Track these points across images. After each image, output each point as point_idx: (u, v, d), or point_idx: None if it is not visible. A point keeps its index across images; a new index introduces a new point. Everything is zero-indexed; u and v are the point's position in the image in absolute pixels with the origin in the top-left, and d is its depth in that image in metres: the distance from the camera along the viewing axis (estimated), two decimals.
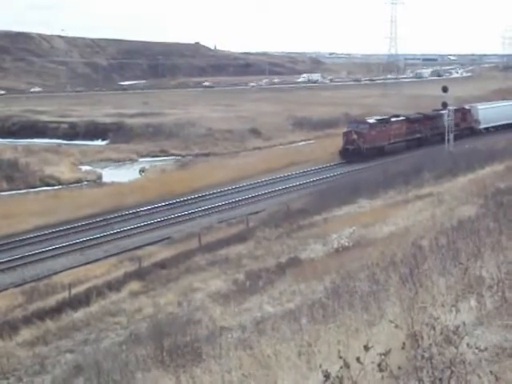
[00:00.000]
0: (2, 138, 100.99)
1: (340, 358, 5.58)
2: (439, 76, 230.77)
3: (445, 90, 69.95)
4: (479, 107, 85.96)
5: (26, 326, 27.71)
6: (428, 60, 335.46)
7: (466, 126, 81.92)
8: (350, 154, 67.81)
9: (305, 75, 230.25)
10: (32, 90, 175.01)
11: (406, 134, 74.40)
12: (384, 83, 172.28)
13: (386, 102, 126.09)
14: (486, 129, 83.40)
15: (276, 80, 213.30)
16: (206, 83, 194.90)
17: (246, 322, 18.11)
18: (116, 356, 17.28)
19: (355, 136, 68.36)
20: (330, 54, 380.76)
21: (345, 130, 71.67)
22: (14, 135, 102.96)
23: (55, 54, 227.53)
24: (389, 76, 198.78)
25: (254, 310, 20.74)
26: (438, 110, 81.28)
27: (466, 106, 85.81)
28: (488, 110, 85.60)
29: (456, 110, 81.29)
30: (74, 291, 31.28)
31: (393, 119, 74.68)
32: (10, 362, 23.46)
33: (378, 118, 74.60)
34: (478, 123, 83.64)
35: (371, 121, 71.90)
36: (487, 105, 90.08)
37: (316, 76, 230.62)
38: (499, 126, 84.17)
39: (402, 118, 76.08)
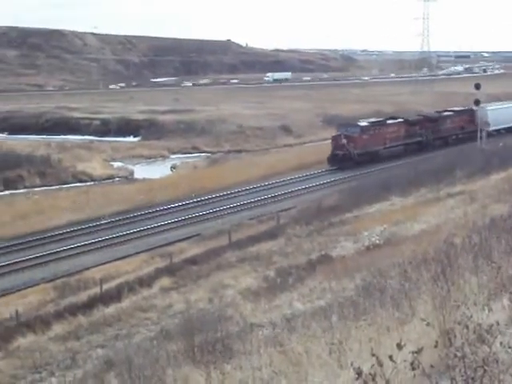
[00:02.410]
0: (36, 134, 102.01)
1: (373, 355, 5.56)
2: (485, 72, 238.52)
3: (477, 87, 68.92)
4: (488, 108, 78.43)
5: (58, 320, 27.91)
6: (461, 57, 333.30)
7: (474, 129, 74.32)
8: (340, 160, 63.52)
9: (269, 74, 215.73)
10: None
11: (404, 138, 69.86)
12: (415, 80, 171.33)
13: (418, 99, 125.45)
14: (497, 131, 76.17)
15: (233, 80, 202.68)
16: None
17: (277, 319, 18.09)
18: (147, 351, 17.34)
19: (345, 140, 63.76)
20: (362, 50, 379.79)
21: (334, 134, 67.28)
22: (47, 131, 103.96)
23: (88, 51, 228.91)
24: (426, 73, 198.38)
25: (284, 307, 20.73)
26: (440, 112, 78.94)
27: (474, 107, 78.06)
28: (498, 111, 79.23)
29: (462, 112, 78.33)
30: (105, 287, 31.43)
31: (389, 121, 70.31)
32: (43, 356, 23.66)
33: (372, 120, 70.48)
34: (488, 125, 75.67)
35: (363, 124, 67.25)
36: (498, 105, 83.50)
37: (282, 75, 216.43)
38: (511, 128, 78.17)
39: (399, 120, 71.51)
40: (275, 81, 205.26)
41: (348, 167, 61.88)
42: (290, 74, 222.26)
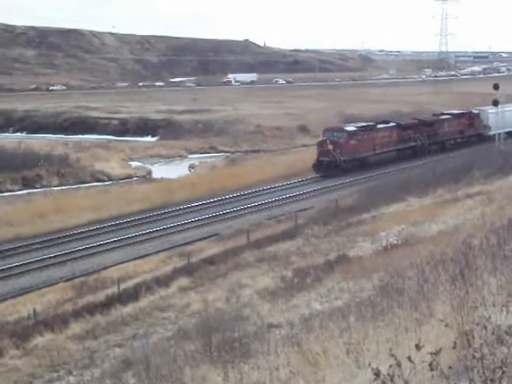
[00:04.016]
0: (54, 133, 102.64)
1: (392, 356, 5.56)
2: (509, 71, 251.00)
3: (496, 87, 68.31)
4: (489, 111, 73.55)
5: (76, 319, 27.97)
6: (479, 57, 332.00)
7: (473, 133, 73.86)
8: (325, 167, 60.10)
9: (230, 76, 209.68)
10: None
11: (396, 143, 66.12)
12: (435, 80, 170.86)
13: (437, 99, 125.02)
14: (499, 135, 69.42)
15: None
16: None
17: (294, 319, 18.11)
18: (165, 351, 17.39)
19: (330, 146, 60.28)
20: (380, 51, 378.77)
21: (319, 139, 64.00)
22: (65, 131, 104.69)
23: (106, 51, 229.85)
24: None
25: (301, 307, 20.71)
26: (438, 115, 76.01)
27: (474, 110, 76.88)
28: (501, 114, 72.44)
29: (461, 115, 75.43)
30: (123, 286, 31.46)
31: (379, 126, 65.95)
32: (60, 355, 23.72)
33: (360, 124, 65.48)
34: (488, 129, 73.83)
35: (350, 128, 63.37)
36: (502, 108, 75.69)
37: (245, 76, 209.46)
38: None
39: (391, 124, 67.70)
40: (237, 82, 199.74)
41: (334, 175, 59.06)
42: (255, 75, 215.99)
